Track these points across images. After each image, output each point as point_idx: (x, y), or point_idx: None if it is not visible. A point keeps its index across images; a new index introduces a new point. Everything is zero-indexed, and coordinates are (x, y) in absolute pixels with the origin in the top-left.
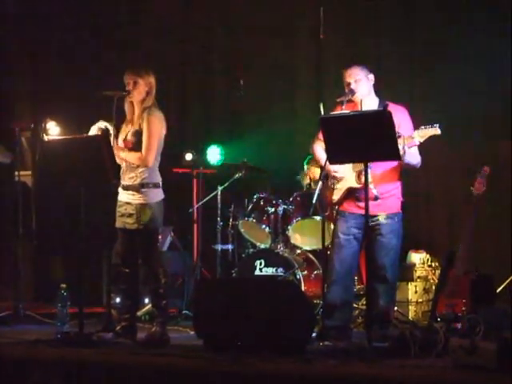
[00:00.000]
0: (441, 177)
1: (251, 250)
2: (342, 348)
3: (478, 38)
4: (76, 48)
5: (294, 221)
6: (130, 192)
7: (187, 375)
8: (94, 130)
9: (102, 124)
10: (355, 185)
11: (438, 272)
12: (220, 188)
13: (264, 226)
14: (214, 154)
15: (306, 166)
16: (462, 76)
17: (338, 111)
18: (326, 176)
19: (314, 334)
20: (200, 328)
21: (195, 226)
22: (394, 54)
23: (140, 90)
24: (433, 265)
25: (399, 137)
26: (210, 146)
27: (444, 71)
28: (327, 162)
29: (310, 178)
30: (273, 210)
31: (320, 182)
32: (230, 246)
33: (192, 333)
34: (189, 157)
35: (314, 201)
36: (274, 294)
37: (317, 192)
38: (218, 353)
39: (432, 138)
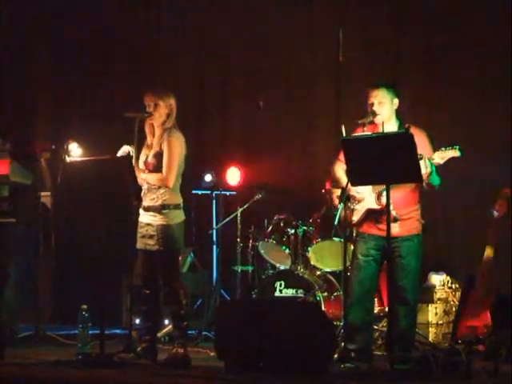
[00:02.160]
0: (459, 198)
1: (271, 272)
2: (363, 370)
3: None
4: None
5: (314, 242)
6: (151, 213)
7: None
8: (118, 155)
9: (126, 148)
10: (375, 206)
11: (458, 294)
12: (240, 209)
13: (284, 248)
14: (234, 176)
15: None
16: (484, 96)
17: (359, 133)
18: (347, 197)
19: (335, 356)
20: (222, 349)
21: (215, 247)
22: (415, 75)
23: (161, 112)
24: (453, 287)
25: (421, 158)
26: (229, 167)
27: (467, 90)
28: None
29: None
30: (293, 231)
31: (341, 204)
32: (249, 268)
33: (212, 354)
34: (208, 178)
35: (335, 222)
36: (296, 315)
37: (338, 213)
38: (239, 374)
39: (451, 159)
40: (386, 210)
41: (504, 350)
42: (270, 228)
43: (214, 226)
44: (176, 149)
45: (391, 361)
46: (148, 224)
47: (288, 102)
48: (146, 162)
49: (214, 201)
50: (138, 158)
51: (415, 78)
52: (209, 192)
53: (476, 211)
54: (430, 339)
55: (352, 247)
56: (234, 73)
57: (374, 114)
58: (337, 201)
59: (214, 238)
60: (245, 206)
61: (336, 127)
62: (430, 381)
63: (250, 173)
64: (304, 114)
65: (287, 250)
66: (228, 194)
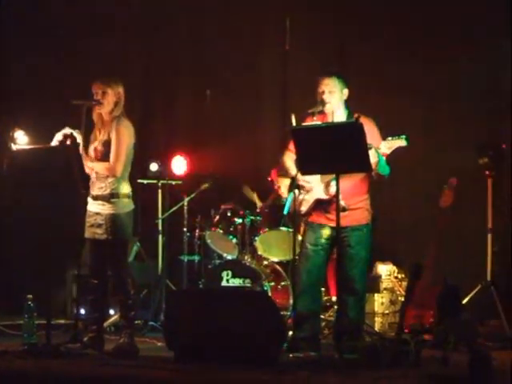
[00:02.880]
0: (406, 189)
1: (218, 261)
2: (312, 359)
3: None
4: (39, 55)
5: (262, 232)
6: (100, 202)
7: None
8: (59, 136)
9: (67, 130)
10: (323, 196)
11: (404, 283)
12: (187, 199)
13: (231, 237)
14: (180, 165)
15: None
16: (431, 89)
17: (309, 122)
18: (296, 187)
19: (284, 345)
20: (170, 339)
21: (160, 236)
22: (361, 65)
23: (109, 100)
24: (399, 276)
25: (370, 148)
26: (175, 156)
27: (410, 83)
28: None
29: (279, 189)
30: (240, 220)
31: (290, 194)
32: (196, 257)
33: (159, 344)
34: (154, 167)
35: (285, 212)
36: (245, 304)
37: (288, 203)
38: (188, 364)
39: (398, 149)
40: (334, 200)
41: (452, 339)
42: (217, 218)
43: (160, 215)
44: (124, 137)
45: (339, 350)
46: (97, 213)
47: (235, 91)
48: (94, 150)
49: (160, 190)
50: (85, 147)
51: (362, 68)
52: (155, 181)
53: (423, 201)
54: (376, 329)
55: (300, 237)
56: (181, 61)
57: (324, 103)
58: (283, 191)
59: (160, 228)
60: (192, 196)
61: (282, 117)
62: (378, 370)
63: (196, 162)
64: (251, 103)
65: (234, 240)
66: (174, 183)
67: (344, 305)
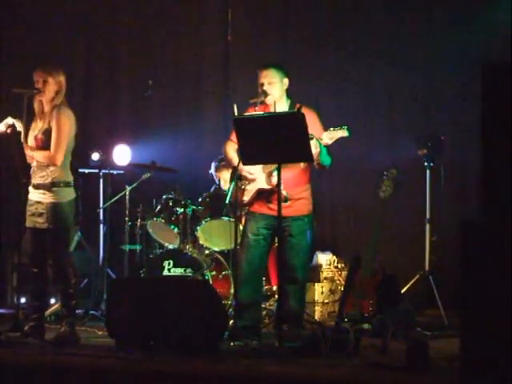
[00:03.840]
0: (346, 179)
1: (159, 251)
2: (253, 348)
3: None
4: None
5: (203, 221)
6: (41, 191)
7: (99, 374)
8: (1, 127)
9: (10, 120)
10: (265, 186)
11: (344, 273)
12: (128, 188)
13: (172, 227)
14: (122, 154)
15: (212, 169)
16: (367, 77)
17: (251, 112)
18: (238, 177)
19: (225, 334)
20: (112, 327)
21: (102, 225)
22: (301, 56)
23: (50, 88)
24: (339, 266)
25: (311, 138)
26: (117, 145)
27: (351, 72)
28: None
29: (219, 180)
30: (181, 210)
31: (233, 183)
32: (137, 247)
33: (100, 333)
34: (95, 157)
35: (227, 201)
36: (187, 293)
37: (229, 193)
38: (130, 352)
39: (340, 139)
40: (276, 190)
41: (391, 328)
42: (159, 207)
43: (102, 204)
44: (65, 126)
45: (280, 338)
46: (38, 202)
47: (177, 81)
48: (34, 139)
49: (102, 180)
50: (26, 135)
51: (303, 58)
52: (96, 171)
53: (362, 191)
54: (316, 318)
55: (241, 227)
56: (123, 50)
57: (266, 94)
58: (223, 183)
59: (102, 217)
60: (133, 185)
61: (224, 107)
62: (319, 358)
63: (138, 152)
64: (193, 93)
65: (176, 230)
66: (115, 172)
67: (285, 294)
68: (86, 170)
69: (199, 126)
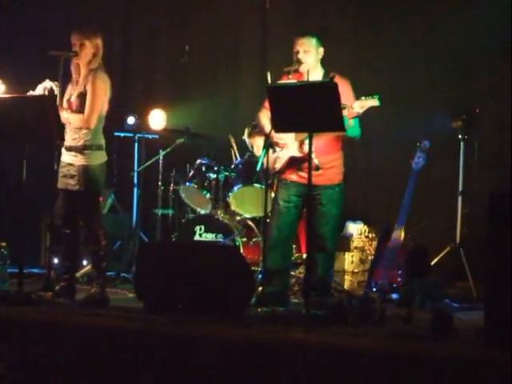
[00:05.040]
0: (379, 149)
1: (191, 216)
2: (280, 314)
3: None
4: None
5: (235, 188)
6: (73, 153)
7: (127, 336)
8: (39, 90)
9: (48, 84)
10: (297, 154)
11: (374, 243)
12: (162, 153)
13: (205, 192)
14: (157, 119)
15: (245, 135)
16: (406, 51)
17: (284, 81)
18: (270, 144)
19: (253, 300)
20: (141, 290)
21: (135, 189)
22: (340, 25)
23: (86, 51)
24: (370, 236)
25: (344, 108)
26: (152, 110)
27: (390, 44)
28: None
29: (252, 147)
30: (214, 176)
31: (264, 150)
32: (170, 211)
33: (131, 295)
34: (131, 121)
35: (257, 168)
36: (216, 258)
37: (261, 160)
38: (158, 315)
39: (372, 109)
40: (307, 158)
41: (418, 298)
42: (192, 172)
43: (136, 168)
44: (100, 90)
45: (307, 306)
46: (69, 164)
47: (214, 48)
48: (69, 101)
49: (136, 144)
50: (62, 97)
51: (341, 28)
52: (131, 135)
53: (395, 162)
54: (345, 287)
55: (273, 194)
56: (160, 17)
57: (300, 63)
58: (256, 150)
59: (135, 181)
60: (167, 150)
61: (261, 75)
62: (344, 327)
63: (173, 117)
64: (229, 59)
65: (208, 195)
66: (151, 137)
67: (313, 262)
68: (122, 134)
69: (235, 93)
